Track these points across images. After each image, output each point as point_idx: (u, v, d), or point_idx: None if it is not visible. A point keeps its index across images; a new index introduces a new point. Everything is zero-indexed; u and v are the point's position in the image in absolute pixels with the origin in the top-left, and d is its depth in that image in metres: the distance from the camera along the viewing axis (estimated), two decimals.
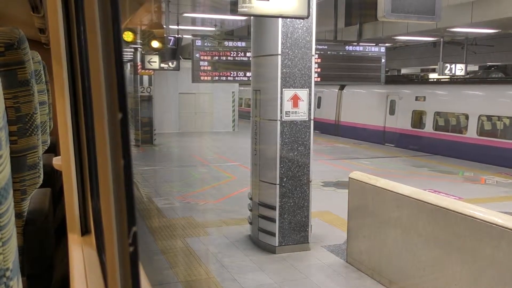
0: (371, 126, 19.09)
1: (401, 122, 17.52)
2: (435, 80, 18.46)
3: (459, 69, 16.92)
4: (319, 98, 22.42)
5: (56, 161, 2.06)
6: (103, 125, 0.56)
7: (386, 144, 17.93)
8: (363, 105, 19.85)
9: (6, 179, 0.40)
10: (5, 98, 1.34)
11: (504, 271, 3.99)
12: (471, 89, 15.72)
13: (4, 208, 0.39)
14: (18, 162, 1.41)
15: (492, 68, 23.26)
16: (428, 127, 16.35)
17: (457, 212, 4.43)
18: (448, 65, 16.76)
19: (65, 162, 1.64)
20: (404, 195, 5.17)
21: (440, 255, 4.67)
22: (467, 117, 14.92)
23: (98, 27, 0.58)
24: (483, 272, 4.19)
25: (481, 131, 14.41)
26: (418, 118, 16.95)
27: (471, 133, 14.63)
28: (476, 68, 24.18)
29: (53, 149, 3.02)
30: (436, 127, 16.10)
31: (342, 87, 20.99)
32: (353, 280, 5.66)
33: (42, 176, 1.57)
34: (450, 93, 16.38)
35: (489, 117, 14.42)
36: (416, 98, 16.99)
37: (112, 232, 0.55)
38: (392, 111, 18.03)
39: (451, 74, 17.00)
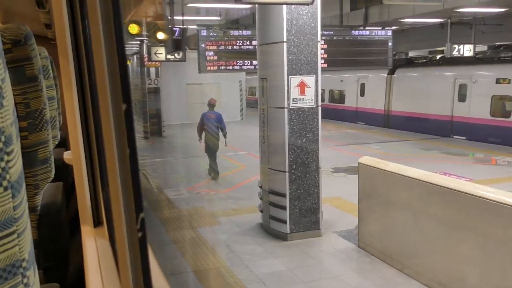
0: (432, 115, 16.27)
1: (476, 110, 14.56)
2: None
3: (467, 50, 16.71)
4: (363, 85, 19.78)
5: (67, 155, 2.09)
6: (108, 117, 0.58)
7: (454, 136, 15.33)
8: (421, 91, 16.84)
9: (18, 172, 0.42)
10: (14, 94, 1.36)
11: None
12: None
13: (18, 200, 0.41)
14: (30, 157, 1.43)
15: (502, 48, 22.94)
16: None
17: (468, 193, 4.43)
18: (456, 46, 16.56)
19: (75, 156, 1.67)
20: (413, 178, 5.17)
21: (451, 237, 4.68)
22: None
23: (99, 20, 0.59)
24: (495, 252, 4.19)
25: None
26: (500, 105, 14.07)
27: None
28: (485, 48, 23.91)
29: (64, 144, 3.05)
30: None
31: (392, 71, 18.03)
32: (366, 265, 5.68)
33: (53, 170, 1.59)
34: None
35: None
36: (497, 81, 14.10)
37: (121, 219, 0.57)
38: (462, 98, 15.16)
39: (459, 55, 16.71)
